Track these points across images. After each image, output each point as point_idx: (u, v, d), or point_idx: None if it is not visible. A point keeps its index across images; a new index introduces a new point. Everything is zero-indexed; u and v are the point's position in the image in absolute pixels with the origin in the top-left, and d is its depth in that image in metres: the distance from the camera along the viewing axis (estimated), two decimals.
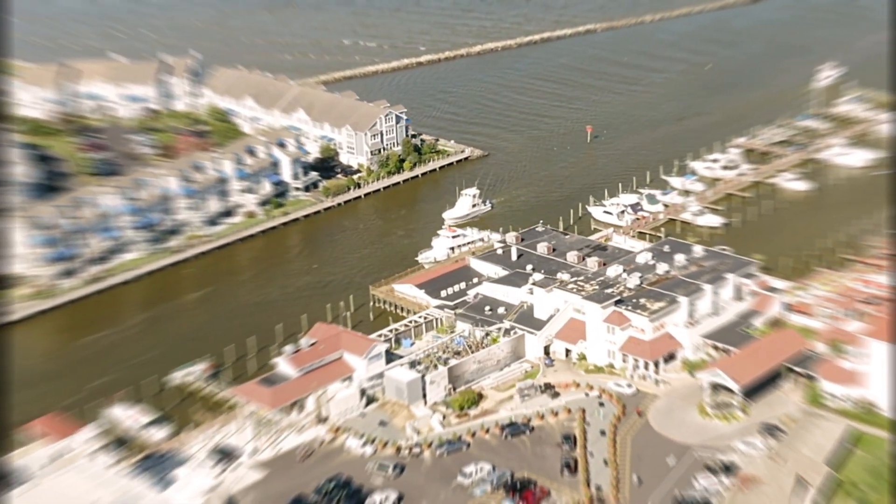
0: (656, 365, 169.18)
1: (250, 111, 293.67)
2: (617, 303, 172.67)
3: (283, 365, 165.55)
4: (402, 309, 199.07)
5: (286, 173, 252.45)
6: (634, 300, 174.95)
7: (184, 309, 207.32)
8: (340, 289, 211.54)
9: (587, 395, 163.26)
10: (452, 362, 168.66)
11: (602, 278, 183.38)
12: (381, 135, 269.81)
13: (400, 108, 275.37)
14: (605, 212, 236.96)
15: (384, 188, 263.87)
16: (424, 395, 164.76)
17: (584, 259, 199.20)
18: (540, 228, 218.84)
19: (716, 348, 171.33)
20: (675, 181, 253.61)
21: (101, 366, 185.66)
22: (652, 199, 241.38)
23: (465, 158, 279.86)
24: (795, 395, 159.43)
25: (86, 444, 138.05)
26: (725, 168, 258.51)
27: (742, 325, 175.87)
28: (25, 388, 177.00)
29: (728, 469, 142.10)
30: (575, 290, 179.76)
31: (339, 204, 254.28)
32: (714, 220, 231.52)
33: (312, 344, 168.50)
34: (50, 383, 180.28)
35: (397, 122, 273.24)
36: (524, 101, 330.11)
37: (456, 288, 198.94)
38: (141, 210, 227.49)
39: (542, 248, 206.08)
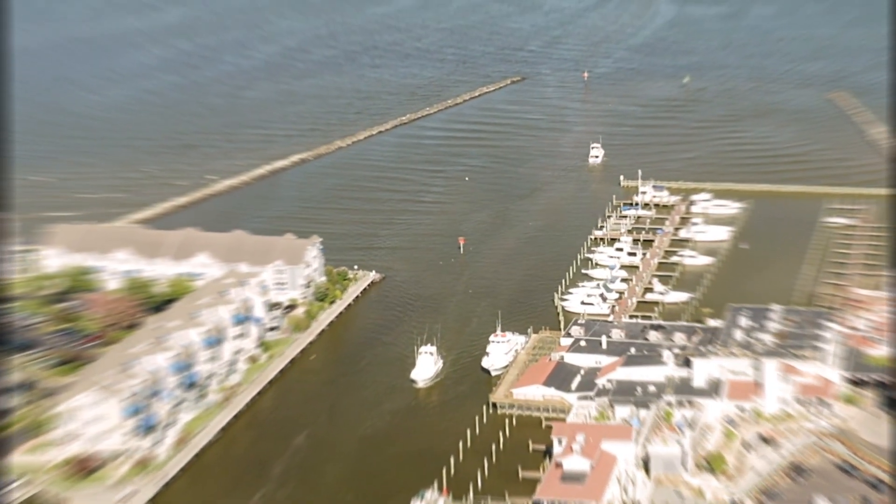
0: (828, 403, 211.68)
1: (123, 264, 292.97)
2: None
3: (574, 462, 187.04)
4: (538, 409, 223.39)
5: (260, 314, 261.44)
6: (785, 352, 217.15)
7: (310, 453, 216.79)
8: (445, 409, 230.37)
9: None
10: (688, 432, 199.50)
11: (738, 341, 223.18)
12: (309, 267, 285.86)
13: (315, 238, 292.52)
14: (584, 302, 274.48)
15: (336, 317, 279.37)
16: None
17: (668, 337, 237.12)
18: (582, 321, 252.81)
19: (858, 382, 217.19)
20: (599, 272, 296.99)
21: None
22: (607, 288, 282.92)
23: (372, 283, 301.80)
24: None
25: None
26: (630, 255, 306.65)
27: (857, 359, 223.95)
28: None
29: None
30: (728, 356, 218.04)
31: (318, 336, 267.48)
32: (681, 296, 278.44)
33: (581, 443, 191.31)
34: None
35: (317, 254, 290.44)
36: (347, 220, 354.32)
37: (575, 381, 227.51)
38: (182, 367, 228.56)
39: (616, 334, 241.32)
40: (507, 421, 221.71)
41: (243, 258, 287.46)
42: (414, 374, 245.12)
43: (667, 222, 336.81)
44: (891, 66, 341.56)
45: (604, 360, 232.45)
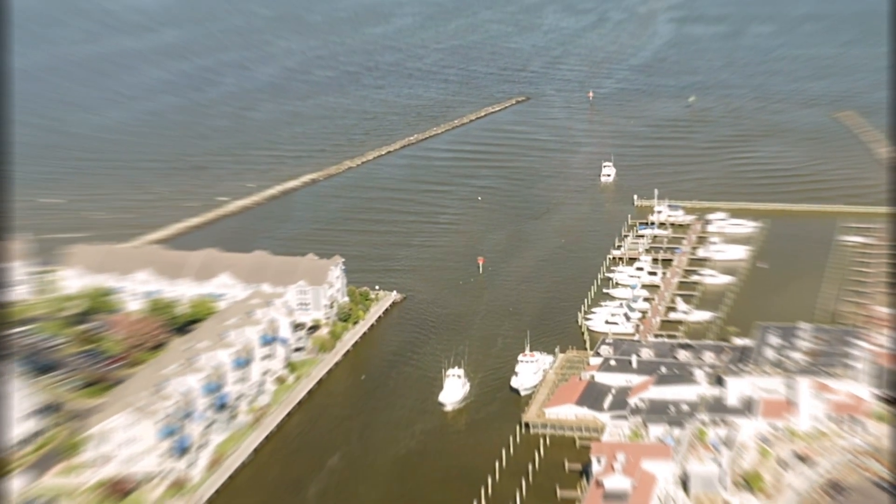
0: (860, 421, 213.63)
1: (144, 285, 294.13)
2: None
3: (616, 481, 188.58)
4: (571, 428, 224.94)
5: (287, 334, 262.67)
6: (817, 370, 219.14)
7: (345, 474, 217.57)
8: (477, 429, 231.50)
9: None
10: (725, 451, 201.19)
11: (770, 359, 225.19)
12: (332, 287, 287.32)
13: (337, 258, 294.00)
14: (608, 322, 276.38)
15: (360, 338, 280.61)
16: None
17: (697, 356, 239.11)
18: (609, 340, 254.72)
19: (889, 400, 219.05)
20: (620, 292, 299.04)
21: None
22: (631, 308, 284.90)
23: (394, 303, 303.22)
24: None
25: None
26: (651, 274, 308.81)
27: (886, 376, 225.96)
28: None
29: None
30: (760, 374, 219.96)
31: (343, 356, 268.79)
32: (704, 315, 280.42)
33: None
34: None
35: (339, 274, 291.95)
36: (363, 240, 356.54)
37: (607, 401, 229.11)
38: (213, 388, 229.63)
39: (646, 353, 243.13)
40: (541, 441, 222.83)
41: (265, 279, 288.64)
42: (442, 397, 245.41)
43: (684, 241, 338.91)
44: (891, 85, 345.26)
45: (634, 380, 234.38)
